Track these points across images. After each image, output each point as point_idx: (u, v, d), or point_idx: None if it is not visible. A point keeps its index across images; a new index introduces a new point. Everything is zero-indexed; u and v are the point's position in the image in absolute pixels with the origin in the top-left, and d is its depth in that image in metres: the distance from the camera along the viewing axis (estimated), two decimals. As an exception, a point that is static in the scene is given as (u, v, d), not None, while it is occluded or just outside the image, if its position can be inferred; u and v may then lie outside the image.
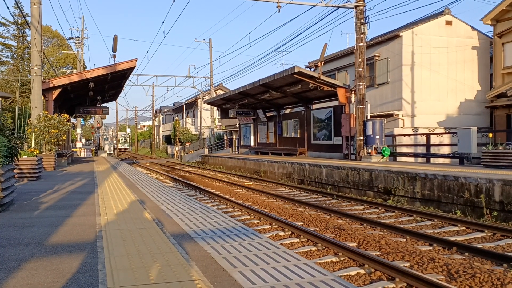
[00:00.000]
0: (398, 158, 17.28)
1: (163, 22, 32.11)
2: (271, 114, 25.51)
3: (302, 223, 8.35)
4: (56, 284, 3.07)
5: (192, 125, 53.22)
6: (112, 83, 23.05)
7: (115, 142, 64.63)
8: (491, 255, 5.86)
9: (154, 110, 63.41)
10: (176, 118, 57.08)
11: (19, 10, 36.01)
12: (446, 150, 18.44)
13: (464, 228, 7.82)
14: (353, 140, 17.00)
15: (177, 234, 4.69)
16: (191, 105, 53.35)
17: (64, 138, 17.15)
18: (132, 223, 5.25)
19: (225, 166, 24.62)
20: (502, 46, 19.48)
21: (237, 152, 31.48)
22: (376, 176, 12.02)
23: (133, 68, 20.41)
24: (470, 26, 21.40)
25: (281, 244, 6.58)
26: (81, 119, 40.23)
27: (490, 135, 14.02)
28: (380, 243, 6.52)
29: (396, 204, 10.65)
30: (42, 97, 16.56)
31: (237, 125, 31.68)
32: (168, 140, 59.27)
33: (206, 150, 37.45)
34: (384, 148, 15.59)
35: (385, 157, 15.60)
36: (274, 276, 3.29)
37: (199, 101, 44.91)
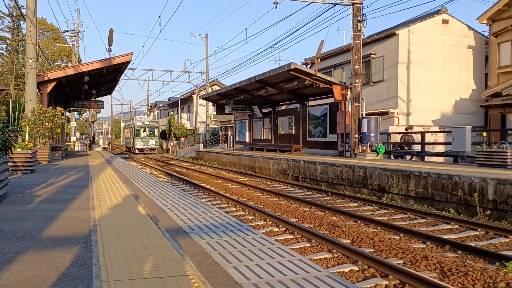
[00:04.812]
0: (393, 156, 17.34)
1: (159, 17, 32.00)
2: (267, 111, 25.50)
3: (297, 220, 8.37)
4: (50, 277, 3.06)
5: (187, 120, 53.06)
6: (107, 77, 22.93)
7: (109, 136, 60.67)
8: (484, 254, 5.91)
9: (149, 104, 62.88)
10: (171, 113, 56.78)
11: (14, 2, 35.67)
12: (440, 148, 18.55)
13: (457, 226, 7.87)
14: (348, 137, 17.03)
15: (172, 229, 4.69)
16: (187, 100, 53.20)
17: (58, 131, 17.06)
18: (127, 218, 5.24)
19: (220, 162, 24.60)
20: (497, 45, 19.54)
21: (232, 148, 31.45)
22: (371, 173, 12.06)
23: (128, 62, 20.31)
24: (466, 25, 21.45)
25: (276, 240, 6.58)
26: (75, 113, 40.01)
27: (484, 134, 14.12)
28: (374, 240, 6.55)
29: (390, 201, 10.69)
30: (37, 90, 16.45)
31: (233, 121, 31.65)
32: (163, 135, 58.67)
33: (201, 145, 37.40)
34: (379, 146, 15.64)
35: (379, 155, 15.64)
36: (268, 272, 3.30)
37: (194, 96, 44.77)
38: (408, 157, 16.88)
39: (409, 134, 17.72)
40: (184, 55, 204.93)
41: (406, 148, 17.58)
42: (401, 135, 18.17)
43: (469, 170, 10.52)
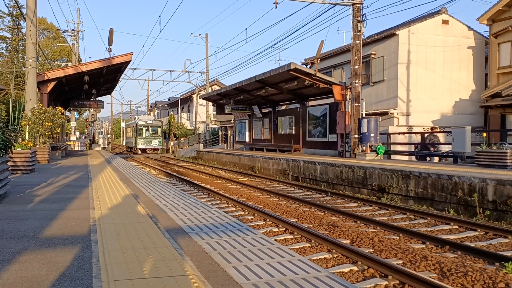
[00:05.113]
0: (393, 156, 17.34)
1: (159, 16, 31.97)
2: (267, 111, 25.50)
3: (296, 220, 8.37)
4: (49, 277, 3.07)
5: (187, 120, 53.05)
6: (107, 76, 22.94)
7: (109, 136, 60.61)
8: (484, 254, 5.91)
9: (149, 104, 62.85)
10: (171, 113, 56.74)
11: (14, 2, 35.66)
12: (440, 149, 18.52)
13: (457, 226, 7.87)
14: (348, 137, 17.03)
15: (172, 229, 4.69)
16: (187, 100, 53.22)
17: (58, 131, 17.07)
18: (126, 217, 5.24)
19: (220, 162, 24.60)
20: (497, 46, 19.54)
21: (232, 148, 31.46)
22: (370, 173, 12.06)
23: (128, 62, 20.32)
24: (466, 25, 21.45)
25: (275, 240, 6.58)
26: (75, 112, 39.98)
27: (484, 134, 14.11)
28: (373, 241, 6.55)
29: (390, 202, 10.69)
30: (37, 90, 16.45)
31: (232, 121, 31.65)
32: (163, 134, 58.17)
33: (201, 145, 37.39)
34: (378, 146, 15.64)
35: (379, 155, 15.64)
36: (268, 272, 3.30)
37: (194, 96, 44.77)
38: (436, 159, 16.59)
39: (434, 134, 17.53)
40: (184, 55, 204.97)
41: (432, 149, 17.35)
42: (426, 135, 17.95)
43: (468, 170, 10.52)
